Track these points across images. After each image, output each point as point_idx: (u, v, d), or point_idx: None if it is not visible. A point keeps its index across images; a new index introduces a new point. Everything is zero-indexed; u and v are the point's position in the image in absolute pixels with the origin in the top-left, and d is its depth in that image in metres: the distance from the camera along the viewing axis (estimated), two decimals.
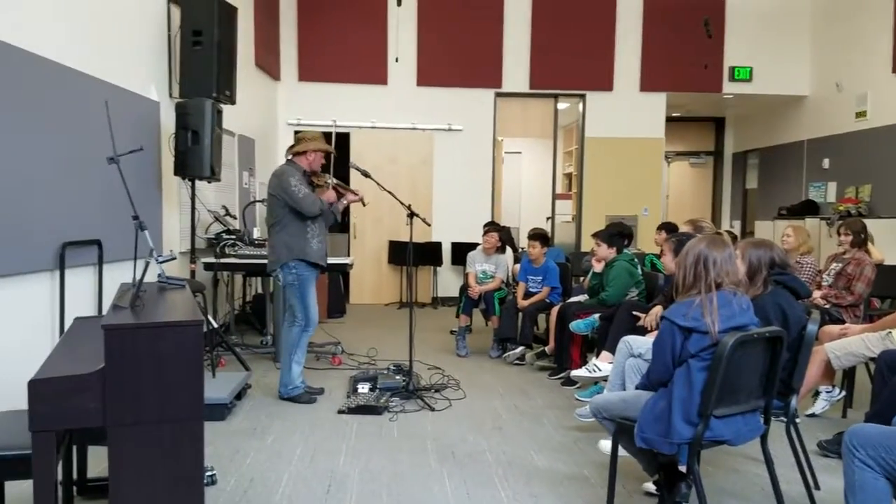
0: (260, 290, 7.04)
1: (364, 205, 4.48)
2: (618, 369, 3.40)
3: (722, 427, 2.38)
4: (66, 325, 3.55)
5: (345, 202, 4.40)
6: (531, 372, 5.13)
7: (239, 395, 4.17)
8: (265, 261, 4.93)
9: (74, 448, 2.70)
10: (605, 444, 2.98)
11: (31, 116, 3.39)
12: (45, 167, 3.50)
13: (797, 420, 3.50)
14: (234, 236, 5.45)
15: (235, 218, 6.28)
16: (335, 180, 4.46)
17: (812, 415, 3.97)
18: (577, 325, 4.59)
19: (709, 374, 2.31)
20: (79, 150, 3.77)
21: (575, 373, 4.22)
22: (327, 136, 4.75)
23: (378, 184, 4.47)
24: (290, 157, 4.27)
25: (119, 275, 3.94)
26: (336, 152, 4.51)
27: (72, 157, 3.72)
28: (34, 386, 1.86)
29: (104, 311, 3.51)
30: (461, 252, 7.34)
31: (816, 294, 4.92)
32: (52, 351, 2.33)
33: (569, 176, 10.62)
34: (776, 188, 9.81)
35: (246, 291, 6.72)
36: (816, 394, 4.03)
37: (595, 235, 4.96)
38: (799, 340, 2.83)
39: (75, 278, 3.76)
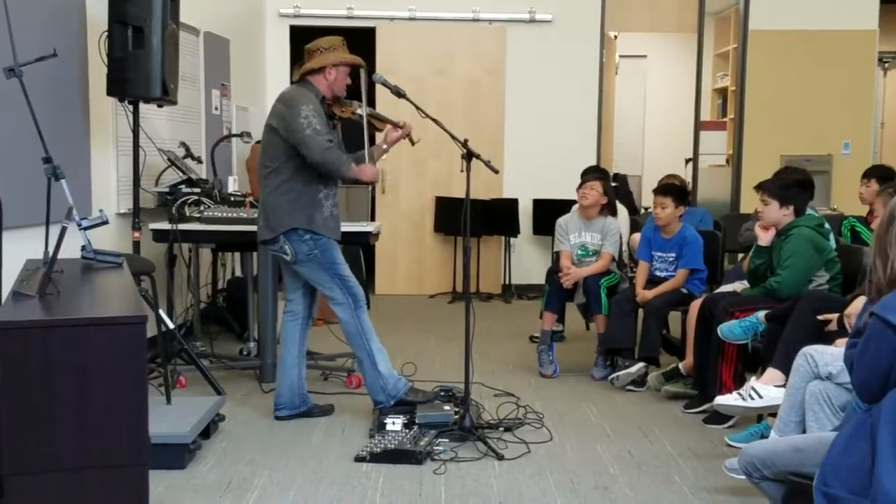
0: (239, 273, 7.17)
1: (413, 143, 4.53)
2: (794, 398, 3.33)
3: None
4: None
5: (385, 147, 4.56)
6: (656, 402, 5.09)
7: (206, 432, 4.24)
8: (247, 227, 5.07)
9: None
10: None
11: None
12: None
13: None
14: (198, 189, 5.52)
15: (201, 162, 6.38)
16: (370, 109, 4.54)
17: None
18: (731, 330, 4.52)
19: None
20: None
21: (721, 400, 4.17)
22: (341, 33, 4.77)
23: (418, 108, 4.47)
24: (297, 78, 4.42)
25: (23, 247, 4.04)
26: (363, 64, 4.57)
27: None
28: None
29: (0, 301, 3.62)
30: (549, 216, 7.28)
31: None
32: None
33: (722, 93, 10.39)
34: None
35: (218, 274, 6.82)
36: None
37: (760, 188, 4.84)
38: None
39: None
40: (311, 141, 4.21)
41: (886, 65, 11.02)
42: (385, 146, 4.63)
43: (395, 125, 4.57)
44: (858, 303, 3.89)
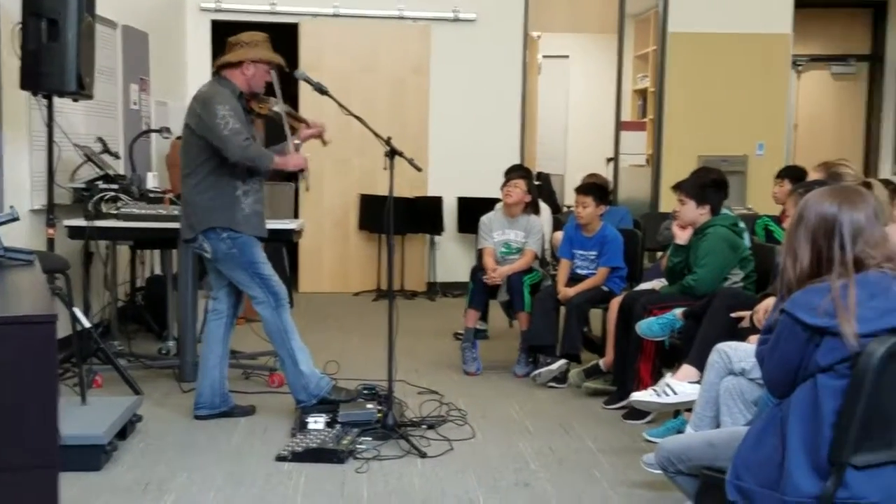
0: (158, 271, 7.06)
1: (324, 143, 4.51)
2: (708, 394, 3.38)
3: (864, 483, 2.36)
4: None
5: (297, 142, 4.50)
6: (577, 398, 5.14)
7: (123, 433, 4.18)
8: (166, 223, 5.01)
9: None
10: None
11: None
12: None
13: None
14: (115, 185, 5.43)
15: (118, 157, 6.27)
16: (286, 107, 4.52)
17: None
18: (649, 327, 4.59)
19: (845, 400, 2.30)
20: None
21: (637, 396, 4.22)
22: (264, 28, 4.73)
23: (341, 105, 4.44)
24: (214, 68, 4.43)
25: None
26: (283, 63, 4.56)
27: None
28: None
29: None
30: (473, 213, 7.31)
31: None
32: None
33: (642, 94, 10.55)
34: None
35: (136, 272, 6.73)
36: None
37: (677, 188, 4.92)
38: None
39: None
40: (229, 142, 4.19)
41: (800, 68, 11.32)
42: (297, 141, 4.58)
43: (307, 123, 4.57)
44: (769, 300, 3.99)
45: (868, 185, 3.72)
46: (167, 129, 6.46)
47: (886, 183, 5.13)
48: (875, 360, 2.24)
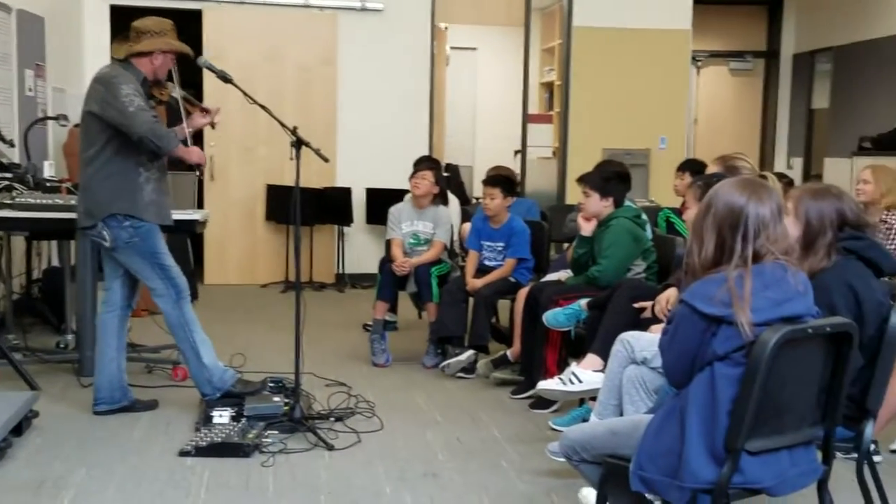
0: (56, 262, 6.86)
1: (213, 126, 4.48)
2: (612, 383, 3.43)
3: (758, 468, 2.43)
4: None
5: (189, 129, 4.46)
6: (485, 388, 5.18)
7: (18, 429, 4.08)
8: (63, 214, 4.88)
9: None
10: (591, 496, 3.03)
11: None
12: None
13: (876, 458, 3.64)
14: (10, 174, 5.30)
15: (13, 145, 6.07)
16: (183, 92, 4.49)
17: None
18: (555, 317, 4.64)
19: (741, 388, 2.36)
20: None
21: (543, 385, 4.27)
22: (165, 15, 4.62)
23: (245, 94, 4.39)
24: (123, 57, 4.31)
25: None
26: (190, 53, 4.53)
27: None
28: None
29: None
30: (382, 205, 7.29)
31: None
32: None
33: (549, 87, 10.66)
34: (857, 108, 10.10)
35: (32, 264, 6.56)
36: None
37: (582, 181, 4.99)
38: (879, 338, 2.90)
39: None
40: (137, 117, 4.12)
41: (699, 63, 11.60)
42: (189, 129, 4.51)
43: (204, 110, 4.52)
44: (670, 291, 4.08)
45: (763, 178, 3.83)
46: (64, 117, 6.29)
47: (780, 176, 5.31)
48: (768, 348, 2.30)
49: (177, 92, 4.45)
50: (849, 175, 9.00)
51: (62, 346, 5.67)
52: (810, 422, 2.56)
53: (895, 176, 5.53)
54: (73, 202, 4.74)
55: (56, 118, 6.31)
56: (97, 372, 4.50)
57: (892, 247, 5.27)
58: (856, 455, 2.93)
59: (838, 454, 2.99)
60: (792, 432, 2.50)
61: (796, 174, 10.75)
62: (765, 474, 2.44)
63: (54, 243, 6.76)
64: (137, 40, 4.30)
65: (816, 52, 11.00)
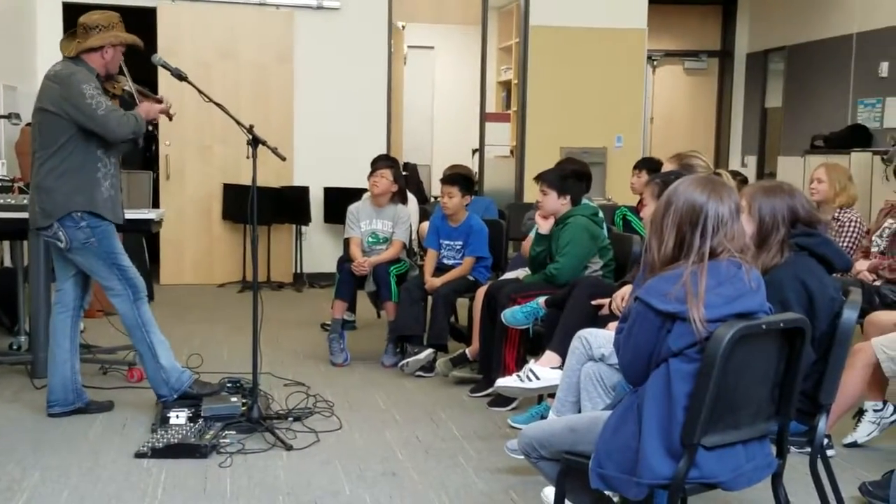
0: (8, 263, 6.75)
1: (170, 118, 4.45)
2: (570, 380, 3.45)
3: (714, 463, 2.46)
4: None
5: (145, 119, 4.41)
6: (444, 387, 5.19)
7: None
8: (16, 213, 4.80)
9: None
10: (553, 495, 3.03)
11: None
12: None
13: (829, 452, 3.71)
14: None
15: None
16: (135, 85, 4.47)
17: (853, 444, 4.17)
18: (514, 315, 4.65)
19: (696, 384, 2.38)
20: None
21: (501, 382, 4.27)
22: (119, 12, 4.56)
23: (201, 92, 4.36)
24: (73, 54, 4.26)
25: None
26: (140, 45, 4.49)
27: None
28: None
29: None
30: (340, 204, 7.27)
31: (861, 265, 5.17)
32: None
33: (506, 86, 10.69)
34: (810, 107, 10.26)
35: None
36: (859, 413, 4.23)
37: (539, 179, 5.01)
38: (831, 334, 2.96)
39: None
40: (108, 121, 4.13)
41: (655, 62, 11.71)
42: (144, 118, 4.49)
43: (157, 100, 4.50)
44: (627, 288, 4.11)
45: (718, 176, 3.87)
46: (16, 115, 6.18)
47: (735, 174, 5.38)
48: (723, 344, 2.32)
49: (129, 85, 4.42)
50: (801, 173, 9.15)
51: (15, 347, 5.59)
52: (765, 416, 2.59)
53: (848, 175, 5.63)
54: (25, 202, 4.67)
55: (7, 117, 6.20)
56: (50, 374, 4.44)
57: (844, 244, 5.36)
58: (809, 449, 2.98)
59: (792, 448, 3.03)
60: (747, 427, 2.53)
61: (750, 172, 10.91)
62: (720, 469, 2.47)
63: (6, 243, 6.65)
64: (86, 36, 4.26)
65: (770, 52, 11.17)
